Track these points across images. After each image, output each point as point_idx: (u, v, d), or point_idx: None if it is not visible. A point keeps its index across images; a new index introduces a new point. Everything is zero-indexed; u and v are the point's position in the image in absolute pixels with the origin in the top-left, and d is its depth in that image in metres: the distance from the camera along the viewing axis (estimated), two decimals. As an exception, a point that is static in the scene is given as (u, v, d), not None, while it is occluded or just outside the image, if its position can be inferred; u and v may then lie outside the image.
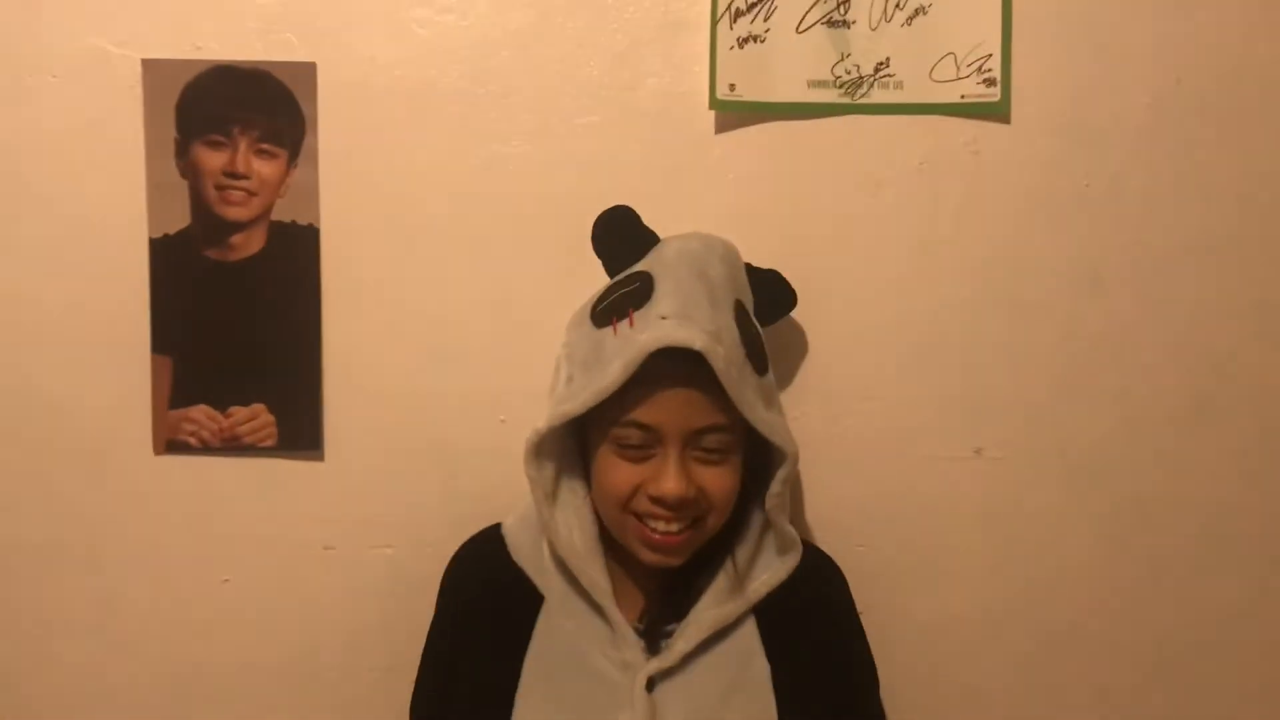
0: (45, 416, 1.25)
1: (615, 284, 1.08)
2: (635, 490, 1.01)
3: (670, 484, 0.99)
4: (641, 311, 1.01)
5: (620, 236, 1.12)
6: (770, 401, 1.07)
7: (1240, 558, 1.27)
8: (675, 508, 1.00)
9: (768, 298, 1.14)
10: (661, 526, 1.01)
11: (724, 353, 0.98)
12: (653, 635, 1.07)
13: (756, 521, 1.10)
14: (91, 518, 1.26)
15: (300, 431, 1.25)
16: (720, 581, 1.07)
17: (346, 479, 1.26)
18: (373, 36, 1.23)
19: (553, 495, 1.07)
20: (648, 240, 1.11)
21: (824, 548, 1.19)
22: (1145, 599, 1.27)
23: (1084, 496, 1.26)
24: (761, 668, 1.07)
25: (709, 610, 1.06)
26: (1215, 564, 1.27)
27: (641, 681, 1.03)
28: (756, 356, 1.05)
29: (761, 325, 1.11)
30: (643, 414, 0.99)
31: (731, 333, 1.02)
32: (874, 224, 1.24)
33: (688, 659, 1.05)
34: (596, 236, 1.13)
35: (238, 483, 1.26)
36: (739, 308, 1.06)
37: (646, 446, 1.01)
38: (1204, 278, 1.25)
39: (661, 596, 1.09)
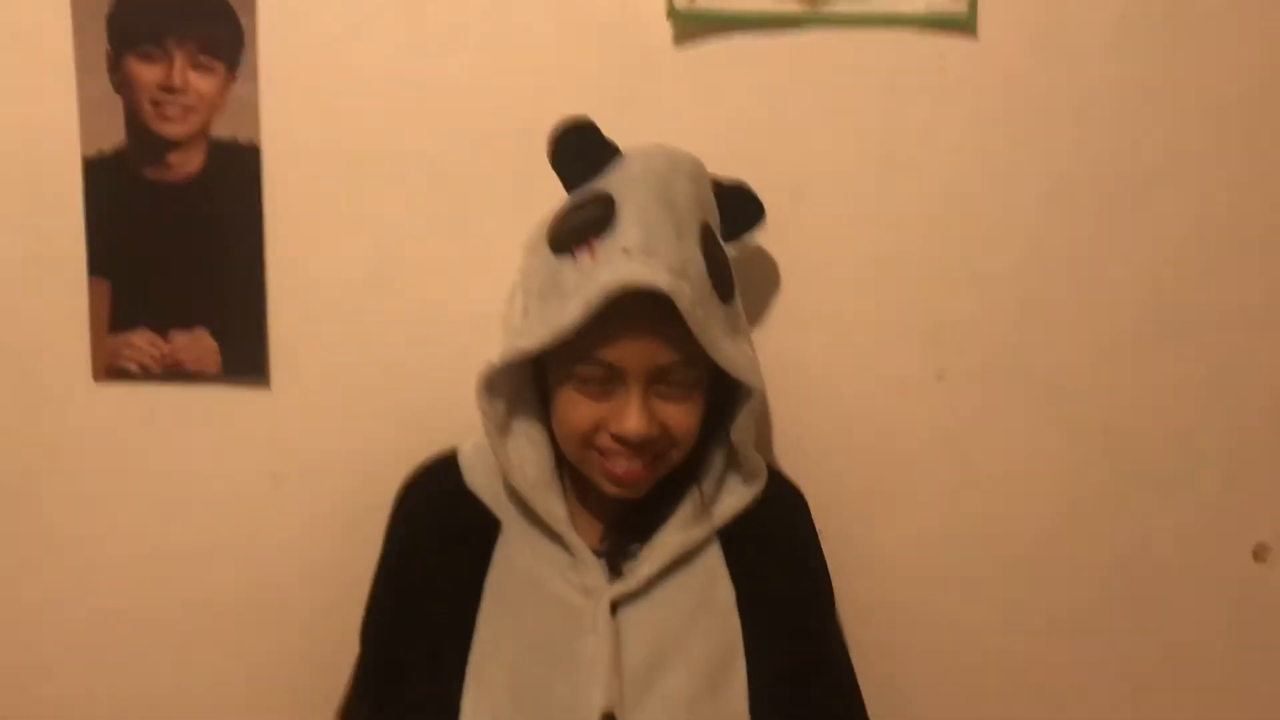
0: (-24, 344, 1.21)
1: (575, 205, 1.02)
2: (596, 427, 0.99)
3: (633, 423, 0.97)
4: (603, 241, 0.96)
5: (579, 151, 1.04)
6: (736, 330, 1.04)
7: (1204, 480, 1.26)
8: (638, 446, 0.98)
9: (735, 213, 1.10)
10: (624, 463, 1.00)
11: (690, 292, 0.94)
12: (613, 558, 1.05)
13: (721, 448, 1.08)
14: (29, 448, 1.23)
15: (245, 357, 1.21)
16: (685, 508, 1.06)
17: (294, 407, 1.23)
18: (314, -57, 1.18)
19: (505, 426, 1.04)
20: (608, 154, 1.04)
21: (785, 471, 1.18)
22: (1108, 522, 1.26)
23: (1046, 420, 1.25)
24: (726, 590, 1.06)
25: (674, 535, 1.05)
26: (1178, 487, 1.26)
27: (605, 605, 1.02)
28: (723, 284, 1.01)
29: (727, 241, 1.07)
30: (605, 352, 0.96)
31: (698, 264, 0.98)
32: (838, 142, 1.21)
33: (651, 583, 1.04)
34: (554, 151, 1.05)
35: (181, 411, 1.22)
36: (705, 231, 1.01)
37: (608, 382, 0.98)
38: (1173, 197, 1.22)
39: (621, 520, 1.07)
